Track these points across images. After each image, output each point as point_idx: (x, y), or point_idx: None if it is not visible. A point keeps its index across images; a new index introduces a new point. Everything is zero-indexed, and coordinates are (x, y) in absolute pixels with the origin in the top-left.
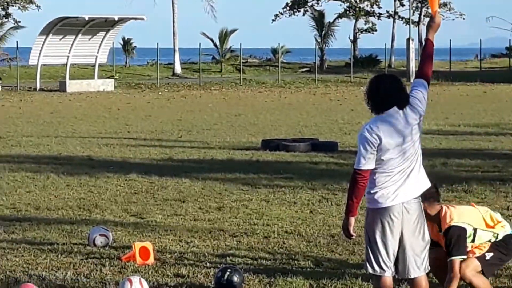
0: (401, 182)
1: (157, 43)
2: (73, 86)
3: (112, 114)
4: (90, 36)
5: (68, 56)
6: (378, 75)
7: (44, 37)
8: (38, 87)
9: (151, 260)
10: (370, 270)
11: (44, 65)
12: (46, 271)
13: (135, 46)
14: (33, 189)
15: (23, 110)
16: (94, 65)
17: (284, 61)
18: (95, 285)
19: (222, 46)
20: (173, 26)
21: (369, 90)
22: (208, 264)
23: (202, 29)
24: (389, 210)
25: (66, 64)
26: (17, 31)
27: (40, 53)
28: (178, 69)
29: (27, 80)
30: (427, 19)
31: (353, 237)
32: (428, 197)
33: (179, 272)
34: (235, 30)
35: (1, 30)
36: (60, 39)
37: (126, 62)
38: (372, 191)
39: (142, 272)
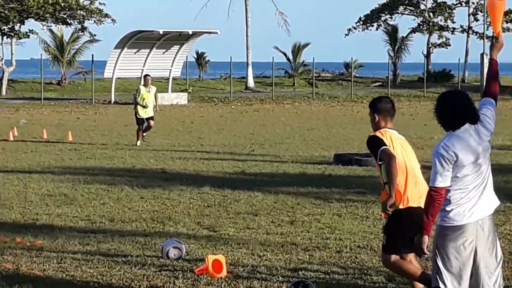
0: (476, 199)
1: (230, 57)
2: None
3: (186, 127)
4: (164, 50)
5: (142, 70)
6: (447, 92)
7: (119, 50)
8: (113, 100)
9: (224, 273)
10: (442, 286)
11: (118, 78)
12: (120, 283)
13: (208, 60)
14: (108, 201)
15: (98, 123)
16: (168, 79)
17: (357, 75)
18: None
19: (295, 60)
20: (247, 40)
21: (441, 107)
22: (280, 278)
23: (275, 43)
24: (465, 228)
25: (141, 78)
26: (92, 44)
27: (115, 67)
28: (251, 83)
29: (102, 93)
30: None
31: (427, 255)
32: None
33: (252, 285)
34: (308, 44)
35: (77, 43)
36: (135, 53)
37: (199, 76)
38: (447, 209)
39: (215, 285)
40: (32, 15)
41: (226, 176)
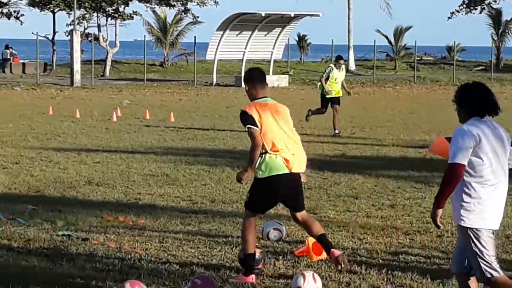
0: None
1: (332, 40)
2: None
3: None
4: (266, 32)
5: (244, 52)
6: (470, 83)
7: (221, 32)
8: (215, 82)
9: (324, 256)
10: (495, 274)
11: (220, 60)
12: (221, 263)
13: (310, 43)
14: (209, 182)
15: (200, 104)
16: (269, 61)
17: (459, 59)
18: (268, 278)
19: (396, 43)
20: (348, 23)
21: (466, 94)
22: (380, 261)
23: (377, 26)
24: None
25: (242, 60)
26: (195, 26)
27: (217, 49)
28: (352, 65)
29: (204, 75)
30: None
31: (441, 228)
32: None
33: (352, 268)
34: (410, 27)
35: (180, 25)
36: (237, 35)
37: (300, 58)
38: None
39: (315, 267)
40: None
41: (327, 159)
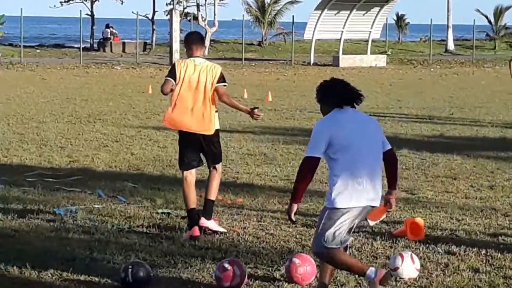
0: None
1: (431, 19)
2: (346, 61)
3: (384, 90)
4: (364, 12)
5: (342, 31)
6: (326, 80)
7: (319, 12)
8: (312, 61)
9: (422, 236)
10: None
11: (318, 40)
12: None
13: (408, 22)
14: None
15: (297, 84)
16: (367, 41)
17: None
18: (366, 258)
19: (496, 22)
20: (448, 2)
21: (324, 90)
22: (479, 243)
23: (477, 6)
24: None
25: (340, 39)
26: (293, 5)
27: (315, 28)
28: (451, 45)
29: (301, 54)
30: None
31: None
32: None
33: (450, 249)
34: (510, 6)
35: (278, 4)
36: (335, 14)
37: (398, 38)
38: None
39: (413, 248)
40: None
41: (425, 139)
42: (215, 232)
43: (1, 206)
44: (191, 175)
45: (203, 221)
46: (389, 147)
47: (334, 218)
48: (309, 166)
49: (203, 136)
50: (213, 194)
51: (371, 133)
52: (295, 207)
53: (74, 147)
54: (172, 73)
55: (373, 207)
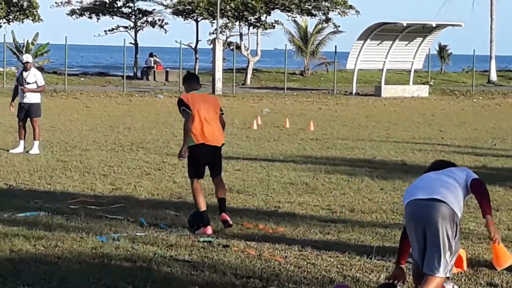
0: None
1: (473, 50)
2: (388, 91)
3: (426, 120)
4: (407, 42)
5: (384, 61)
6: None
7: (362, 42)
8: (354, 91)
9: (463, 268)
10: None
11: (360, 69)
12: (359, 273)
13: (451, 53)
14: (348, 191)
15: (339, 114)
16: (409, 71)
17: None
18: None
19: None
20: (491, 33)
21: None
22: None
23: None
24: None
25: (382, 69)
26: (336, 35)
27: (357, 58)
28: (493, 76)
29: (344, 84)
30: None
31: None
32: None
33: (492, 281)
34: None
35: (320, 34)
36: (378, 44)
37: (441, 69)
38: None
39: (454, 279)
40: (278, 6)
41: None
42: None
43: (44, 233)
44: (200, 183)
45: (225, 215)
46: None
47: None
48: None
49: (219, 148)
50: (225, 194)
51: None
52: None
53: (117, 175)
54: (185, 105)
55: None
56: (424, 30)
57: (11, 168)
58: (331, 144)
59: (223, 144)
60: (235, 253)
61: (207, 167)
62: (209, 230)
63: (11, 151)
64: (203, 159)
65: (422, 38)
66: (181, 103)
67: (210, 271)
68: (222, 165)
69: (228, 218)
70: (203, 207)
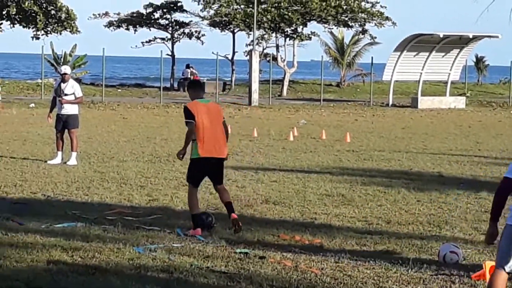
0: None
1: (511, 61)
2: (424, 102)
3: (463, 132)
4: (443, 53)
5: (421, 73)
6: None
7: (398, 53)
8: (391, 102)
9: (486, 278)
10: None
11: (397, 81)
12: (396, 285)
13: (487, 64)
14: (384, 203)
15: (375, 125)
16: (446, 82)
17: None
18: None
19: None
20: None
21: None
22: None
23: None
24: None
25: (419, 81)
26: (372, 47)
27: (394, 69)
28: None
29: (380, 95)
30: None
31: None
32: None
33: None
34: None
35: (357, 46)
36: (414, 56)
37: (478, 80)
38: None
39: None
40: (314, 18)
41: None
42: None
43: (82, 244)
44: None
45: (235, 215)
46: None
47: None
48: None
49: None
50: (229, 198)
51: None
52: (492, 227)
53: (153, 186)
54: (190, 116)
55: None
56: (461, 42)
57: (49, 179)
58: (368, 156)
59: (227, 156)
60: (271, 265)
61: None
62: (199, 232)
63: (49, 162)
64: (205, 170)
65: (459, 50)
66: (188, 114)
67: (246, 282)
68: (224, 175)
69: (237, 218)
70: (195, 210)
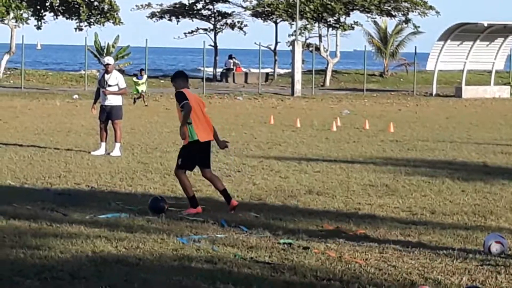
0: None
1: None
2: (468, 92)
3: (508, 121)
4: (488, 42)
5: (465, 62)
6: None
7: (442, 42)
8: (434, 92)
9: None
10: None
11: (440, 70)
12: (441, 275)
13: None
14: (429, 193)
15: (419, 115)
16: (490, 72)
17: None
18: None
19: None
20: None
21: None
22: None
23: None
24: None
25: (463, 70)
26: (415, 36)
27: (437, 59)
28: None
29: (423, 85)
30: None
31: None
32: None
33: None
34: None
35: (400, 35)
36: (458, 45)
37: None
38: None
39: None
40: (357, 7)
41: None
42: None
43: (126, 235)
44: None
45: (234, 201)
46: None
47: None
48: None
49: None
50: (223, 184)
51: None
52: None
53: (197, 177)
54: (187, 99)
55: None
56: (506, 30)
57: (92, 170)
58: (411, 146)
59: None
60: (315, 255)
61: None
62: (200, 209)
63: (92, 153)
64: (199, 155)
65: (503, 39)
66: (183, 97)
67: (290, 273)
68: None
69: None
70: (191, 193)
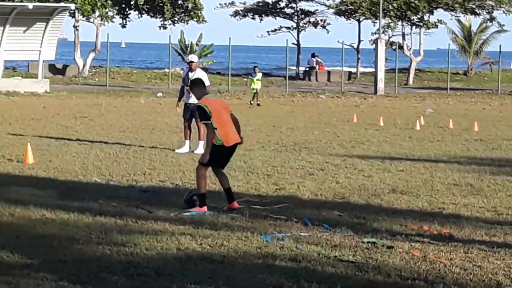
0: None
1: None
2: None
3: None
4: None
5: None
6: None
7: None
8: None
9: None
10: None
11: None
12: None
13: None
14: None
15: (504, 114)
16: None
17: None
18: None
19: None
20: None
21: None
22: None
23: None
24: None
25: None
26: (500, 34)
27: None
28: None
29: (508, 84)
30: None
31: None
32: None
33: None
34: None
35: (485, 33)
36: None
37: None
38: None
39: None
40: (441, 5)
41: None
42: None
43: (210, 232)
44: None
45: (236, 203)
46: None
47: None
48: None
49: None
50: (229, 183)
51: None
52: None
53: (280, 175)
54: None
55: None
56: None
57: (177, 167)
58: (496, 145)
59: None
60: (399, 255)
61: None
62: (205, 208)
63: (176, 150)
64: (224, 158)
65: None
66: (204, 115)
67: (374, 272)
68: None
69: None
70: (204, 190)
